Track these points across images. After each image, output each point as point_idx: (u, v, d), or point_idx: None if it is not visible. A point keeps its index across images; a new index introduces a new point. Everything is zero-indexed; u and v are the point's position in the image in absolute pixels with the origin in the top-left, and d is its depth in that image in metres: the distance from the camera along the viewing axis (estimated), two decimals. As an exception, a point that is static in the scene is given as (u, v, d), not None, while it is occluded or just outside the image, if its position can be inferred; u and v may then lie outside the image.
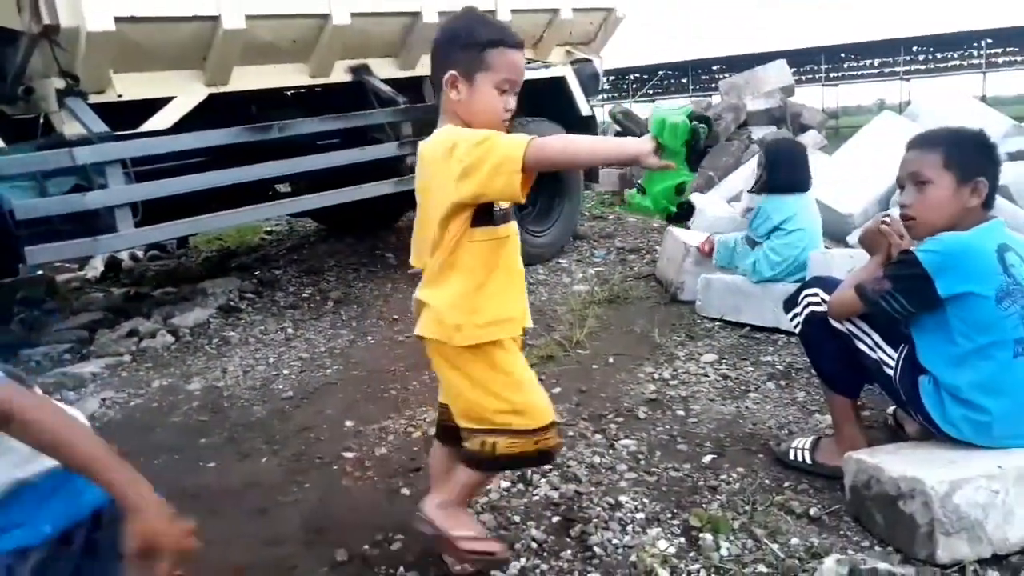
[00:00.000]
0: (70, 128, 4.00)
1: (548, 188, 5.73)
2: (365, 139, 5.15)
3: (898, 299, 2.16)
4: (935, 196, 2.14)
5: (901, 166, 2.26)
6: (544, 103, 5.69)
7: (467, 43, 1.83)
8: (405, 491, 2.65)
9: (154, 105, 4.30)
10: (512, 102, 1.86)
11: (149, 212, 4.19)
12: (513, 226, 1.94)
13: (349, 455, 2.96)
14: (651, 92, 34.69)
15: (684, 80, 34.62)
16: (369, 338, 4.40)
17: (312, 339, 4.42)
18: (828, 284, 2.52)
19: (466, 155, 1.69)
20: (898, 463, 2.12)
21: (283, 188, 5.82)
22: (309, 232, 7.21)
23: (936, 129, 2.32)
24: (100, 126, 3.98)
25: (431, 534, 2.07)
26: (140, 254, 6.80)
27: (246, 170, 4.51)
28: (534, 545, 2.27)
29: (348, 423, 3.24)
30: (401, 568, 2.21)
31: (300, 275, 5.74)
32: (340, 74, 5.03)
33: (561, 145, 1.78)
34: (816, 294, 2.51)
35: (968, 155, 2.16)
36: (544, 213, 5.81)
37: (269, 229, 7.52)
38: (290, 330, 4.59)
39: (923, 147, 2.22)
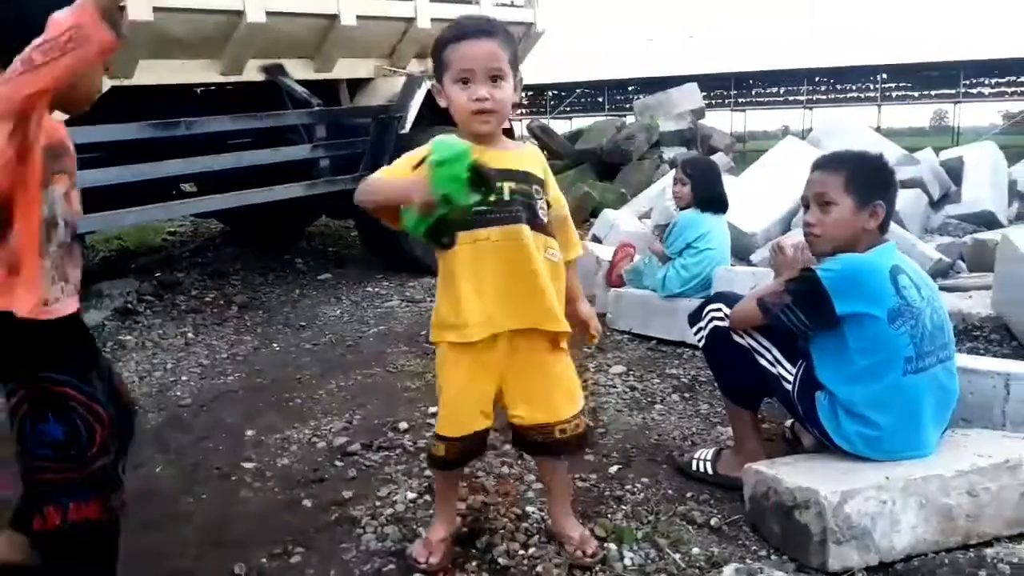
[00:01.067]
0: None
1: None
2: (277, 140, 5.02)
3: (796, 313, 2.24)
4: (836, 217, 2.24)
5: (807, 185, 2.35)
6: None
7: (434, 53, 1.96)
8: (307, 502, 2.57)
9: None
10: (481, 91, 1.87)
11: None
12: (508, 230, 1.92)
13: (249, 465, 2.85)
14: (568, 109, 35.25)
15: (600, 99, 35.33)
16: (275, 345, 4.28)
17: (214, 345, 4.26)
18: (730, 300, 2.59)
19: None
20: (794, 474, 2.19)
21: (188, 188, 5.60)
22: (215, 234, 6.97)
23: (841, 152, 2.41)
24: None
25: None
26: (30, 251, 6.41)
27: (150, 167, 4.33)
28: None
29: (249, 432, 3.13)
30: (300, 582, 2.14)
31: (203, 278, 5.53)
32: (253, 73, 4.89)
33: (363, 186, 1.96)
34: (719, 309, 2.57)
35: (868, 179, 2.27)
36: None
37: (172, 230, 7.22)
38: (190, 335, 4.41)
39: (828, 169, 2.31)
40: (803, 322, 2.24)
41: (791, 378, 2.38)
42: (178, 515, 2.53)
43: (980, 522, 2.11)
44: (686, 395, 3.43)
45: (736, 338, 2.50)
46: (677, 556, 2.20)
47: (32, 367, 1.67)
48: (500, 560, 2.19)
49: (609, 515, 2.40)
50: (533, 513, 2.43)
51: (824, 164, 2.35)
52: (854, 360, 2.21)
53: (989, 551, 2.00)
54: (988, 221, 5.38)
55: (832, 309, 2.17)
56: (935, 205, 5.91)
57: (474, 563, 2.19)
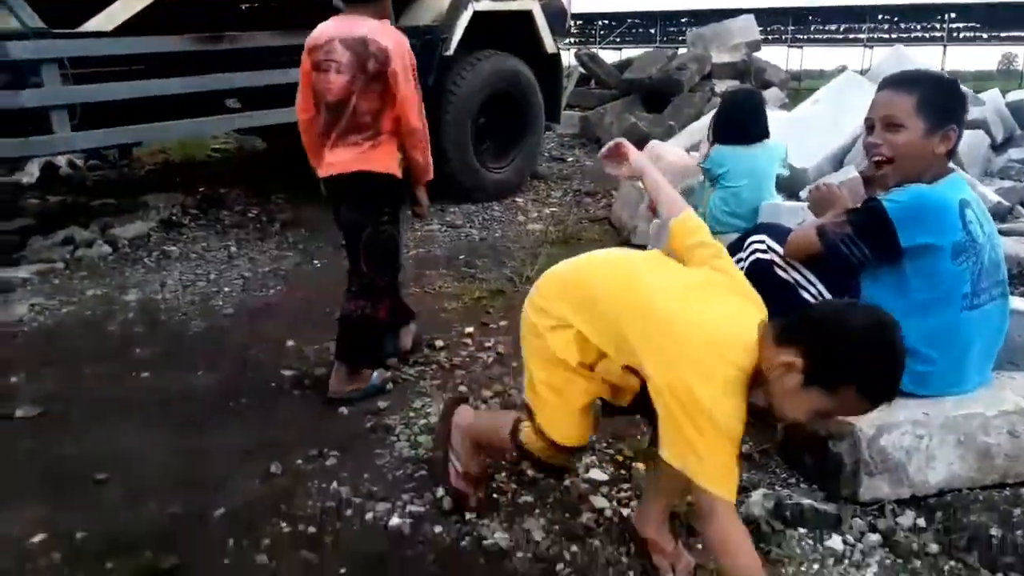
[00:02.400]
0: (3, 22, 3.76)
1: (507, 124, 5.64)
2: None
3: (858, 244, 2.14)
4: (905, 140, 2.10)
5: (872, 106, 2.20)
6: (509, 37, 5.56)
7: None
8: (343, 411, 2.63)
9: (97, 5, 4.06)
10: None
11: (88, 118, 3.99)
12: None
13: (288, 373, 2.91)
14: (618, 39, 34.30)
15: (652, 30, 34.27)
16: (316, 262, 4.32)
17: (256, 259, 4.31)
18: (774, 231, 2.52)
19: None
20: (830, 405, 2.17)
21: (232, 104, 5.60)
22: (259, 153, 6.99)
23: (911, 71, 2.24)
24: (36, 22, 3.75)
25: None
26: (79, 162, 6.51)
27: (193, 80, 4.32)
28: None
29: (289, 343, 3.19)
30: (335, 483, 2.20)
31: (247, 195, 5.58)
32: (299, -13, 4.81)
33: None
34: (762, 241, 2.50)
35: (942, 102, 2.12)
36: (502, 149, 5.73)
37: (217, 147, 7.27)
38: (233, 249, 4.47)
39: (898, 88, 2.15)
40: (864, 253, 2.14)
41: None
42: (218, 418, 2.60)
43: (1018, 463, 2.08)
44: (724, 328, 3.39)
45: (779, 272, 2.44)
46: (706, 480, 2.20)
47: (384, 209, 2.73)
48: (529, 472, 2.22)
49: (639, 436, 2.41)
50: (564, 432, 2.44)
51: (894, 83, 2.19)
52: (910, 294, 2.13)
53: (1025, 490, 1.97)
54: (1051, 165, 5.15)
55: (896, 241, 2.08)
56: (998, 148, 5.66)
57: (503, 473, 2.23)
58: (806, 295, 2.38)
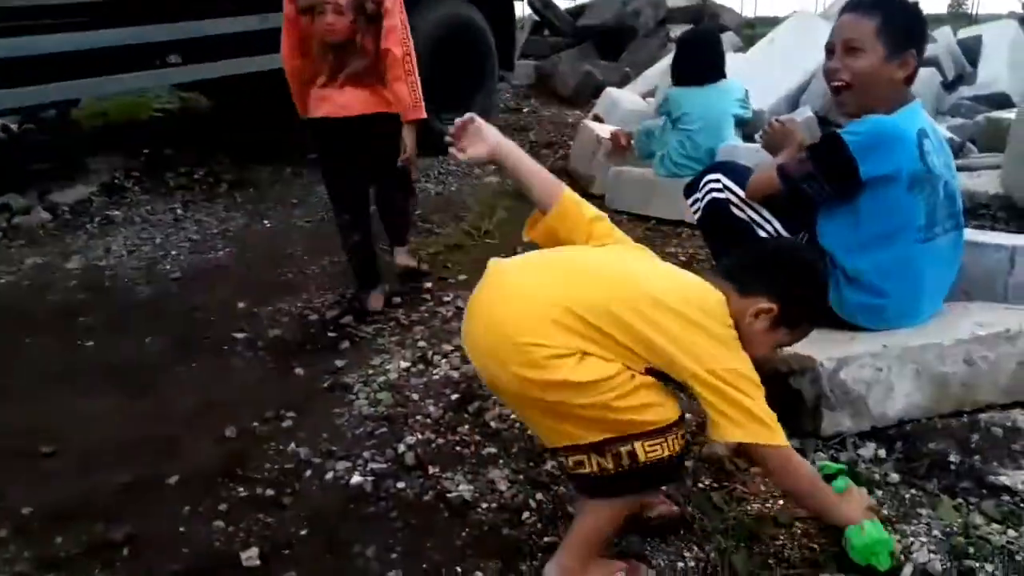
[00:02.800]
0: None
1: (460, 74, 5.50)
2: (266, 5, 4.74)
3: (819, 181, 2.12)
4: (865, 64, 2.07)
5: (833, 31, 2.16)
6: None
7: None
8: (299, 371, 2.57)
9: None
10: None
11: (15, 75, 3.78)
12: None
13: (240, 335, 2.83)
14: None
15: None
16: (265, 222, 4.19)
17: (203, 221, 4.18)
18: (730, 170, 2.48)
19: None
20: (791, 343, 2.16)
21: (174, 59, 5.35)
22: (203, 111, 6.75)
23: None
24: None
25: None
26: (13, 126, 6.21)
27: (126, 32, 4.11)
28: (430, 421, 2.23)
29: (240, 304, 3.10)
30: (292, 444, 2.15)
31: (192, 156, 5.38)
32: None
33: None
34: (718, 180, 2.46)
35: (902, 26, 2.09)
36: (456, 100, 5.58)
37: (159, 107, 6.99)
38: (179, 211, 4.32)
39: (859, 12, 2.10)
40: (825, 189, 2.13)
41: None
42: (169, 383, 2.52)
43: (974, 391, 2.10)
44: (683, 272, 3.37)
45: (735, 211, 2.41)
46: (669, 422, 2.19)
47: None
48: (492, 423, 2.19)
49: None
50: (526, 382, 2.41)
51: (856, 6, 2.13)
52: (864, 228, 2.12)
53: (983, 416, 2.00)
54: (1002, 103, 5.19)
55: (856, 174, 2.06)
56: (949, 87, 5.69)
57: (466, 427, 2.20)
58: (762, 233, 2.35)
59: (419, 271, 3.33)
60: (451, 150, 1.67)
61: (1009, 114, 4.05)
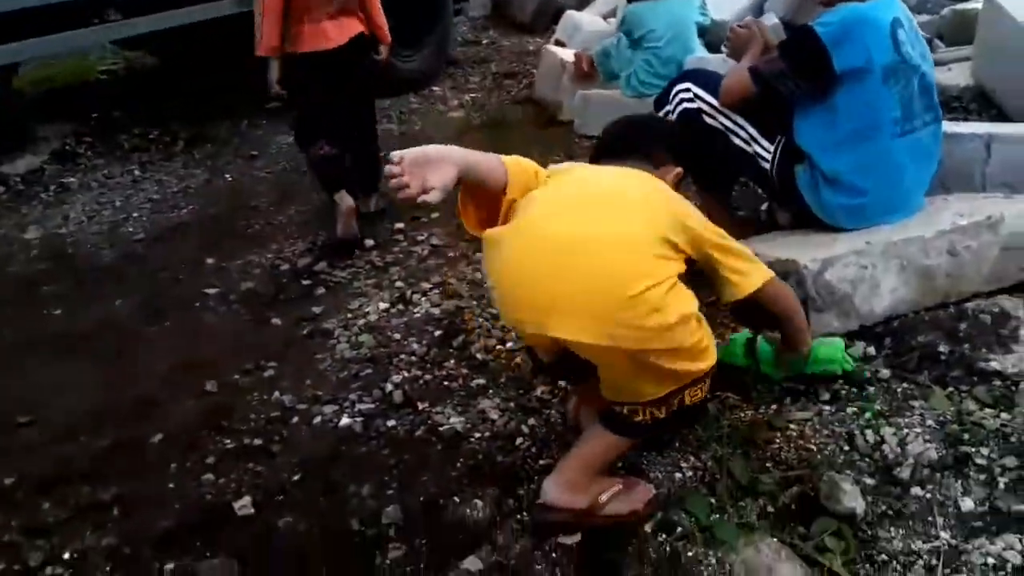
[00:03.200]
0: None
1: (414, 9, 5.31)
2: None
3: (793, 78, 2.06)
4: None
5: None
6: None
7: None
8: (276, 321, 2.51)
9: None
10: None
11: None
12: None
13: (211, 291, 2.76)
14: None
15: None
16: (227, 176, 4.06)
17: (163, 180, 4.04)
18: (699, 78, 2.42)
19: None
20: (773, 248, 2.13)
21: (113, 16, 5.11)
22: (149, 70, 6.48)
23: None
24: None
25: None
26: (-48, 101, 5.95)
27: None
28: (415, 359, 2.20)
29: (209, 260, 3.01)
30: (276, 393, 2.10)
31: (144, 116, 5.17)
32: None
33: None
34: (688, 89, 2.40)
35: None
36: (412, 36, 5.40)
37: (104, 68, 6.69)
38: (137, 172, 4.17)
39: None
40: (799, 86, 2.07)
41: (768, 155, 2.25)
42: (142, 344, 2.46)
43: (960, 281, 2.08)
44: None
45: (707, 119, 2.35)
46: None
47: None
48: (478, 356, 2.16)
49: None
50: (508, 312, 2.38)
51: None
52: (840, 125, 2.08)
53: (969, 304, 1.99)
54: (965, -2, 5.12)
55: (830, 66, 2.01)
56: (912, -17, 5.60)
57: (452, 361, 2.16)
58: (736, 140, 2.31)
59: (383, 211, 3.34)
60: (404, 194, 1.32)
61: (975, 4, 3.98)
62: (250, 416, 2.02)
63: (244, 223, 3.36)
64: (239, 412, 2.04)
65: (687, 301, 1.41)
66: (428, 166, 1.34)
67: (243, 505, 1.69)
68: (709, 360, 1.46)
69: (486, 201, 1.50)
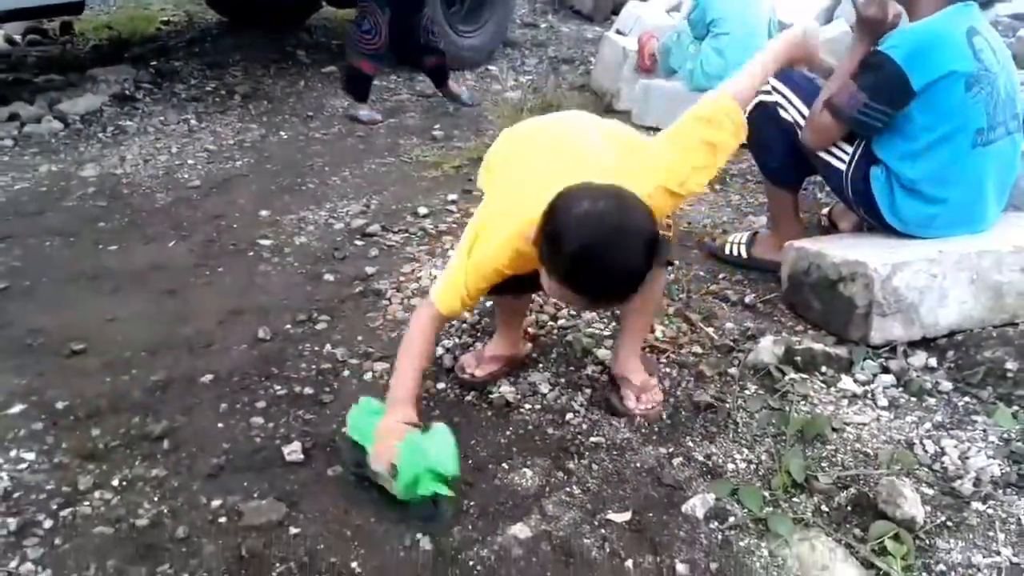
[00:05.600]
0: None
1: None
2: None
3: (876, 107, 2.02)
4: None
5: None
6: None
7: None
8: (328, 277, 2.50)
9: None
10: None
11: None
12: None
13: (265, 242, 2.76)
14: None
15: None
16: (282, 133, 4.07)
17: (218, 131, 4.05)
18: (780, 71, 2.38)
19: None
20: (840, 249, 2.10)
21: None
22: (211, 25, 6.51)
23: None
24: None
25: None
26: (18, 38, 6.02)
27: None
28: (466, 326, 2.19)
29: (263, 212, 3.01)
30: (328, 346, 2.10)
31: (202, 68, 5.20)
32: None
33: None
34: (765, 81, 2.36)
35: None
36: (473, 12, 5.39)
37: (165, 19, 6.74)
38: (193, 122, 4.19)
39: None
40: (886, 113, 2.03)
41: (846, 158, 2.20)
42: (196, 285, 2.47)
43: (1030, 301, 2.04)
44: (716, 187, 3.28)
45: (783, 114, 2.32)
46: (710, 330, 2.15)
47: None
48: (529, 329, 2.14)
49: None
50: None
51: None
52: (921, 135, 2.04)
53: (1039, 324, 1.94)
54: (1040, 22, 5.00)
55: (910, 87, 1.97)
56: (985, 5, 5.48)
57: (503, 331, 2.15)
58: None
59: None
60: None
61: (1055, 28, 3.89)
62: (301, 365, 2.02)
63: (299, 180, 3.36)
64: (291, 360, 2.04)
65: None
66: None
67: (292, 450, 1.69)
68: None
69: None
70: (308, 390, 1.91)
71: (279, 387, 1.93)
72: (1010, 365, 1.85)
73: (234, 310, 2.29)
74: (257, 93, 4.76)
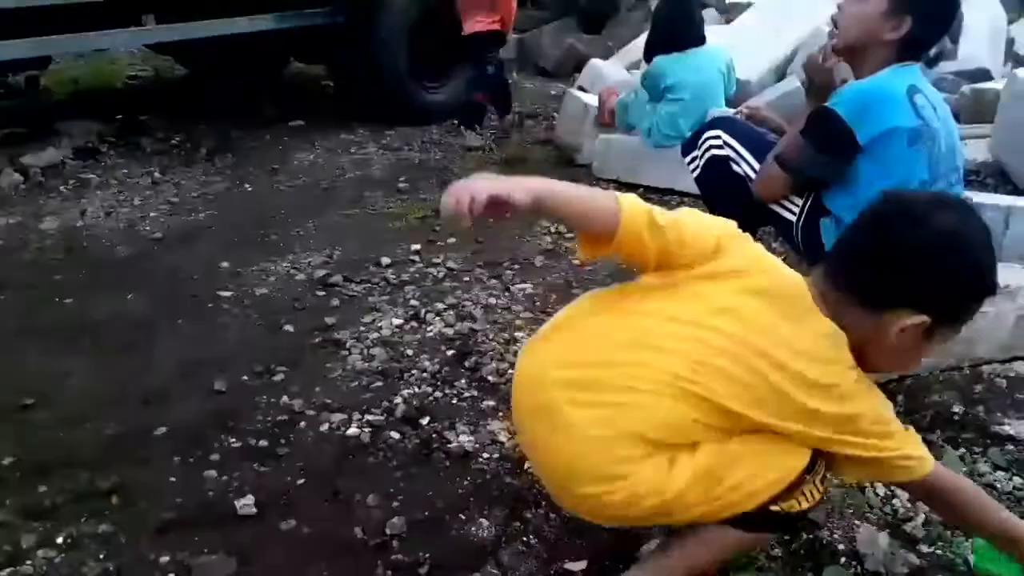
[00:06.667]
0: None
1: (444, 43, 5.41)
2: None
3: (823, 160, 2.10)
4: (858, 11, 2.05)
5: None
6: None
7: None
8: (288, 328, 2.50)
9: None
10: None
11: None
12: None
13: (226, 294, 2.75)
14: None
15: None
16: (247, 186, 4.08)
17: (182, 184, 4.06)
18: (728, 125, 2.45)
19: None
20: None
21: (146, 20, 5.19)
22: (177, 80, 6.57)
23: None
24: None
25: None
26: (-20, 92, 6.01)
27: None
28: (426, 375, 2.19)
29: (224, 264, 3.01)
30: (285, 397, 2.09)
31: (168, 122, 5.22)
32: None
33: None
34: (718, 136, 2.43)
35: None
36: (440, 69, 5.50)
37: (133, 74, 6.78)
38: (157, 175, 4.19)
39: None
40: (832, 166, 2.10)
41: (796, 210, 2.27)
42: (154, 339, 2.44)
43: (975, 346, 2.10)
44: (675, 237, 3.34)
45: (735, 167, 2.39)
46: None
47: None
48: (490, 378, 2.15)
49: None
50: (522, 338, 2.38)
51: None
52: (867, 187, 2.10)
53: (985, 368, 2.00)
54: (982, 78, 5.22)
55: (856, 142, 2.04)
56: (931, 62, 5.72)
57: (463, 381, 2.16)
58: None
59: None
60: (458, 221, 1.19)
61: (995, 85, 4.07)
62: (257, 417, 2.00)
63: (261, 232, 3.37)
64: (247, 413, 2.02)
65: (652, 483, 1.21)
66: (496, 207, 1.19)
67: (245, 504, 1.67)
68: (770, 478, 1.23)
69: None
70: (263, 442, 1.89)
71: (234, 440, 1.91)
72: (956, 408, 1.89)
73: (191, 362, 2.27)
74: (223, 147, 4.78)
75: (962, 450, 1.81)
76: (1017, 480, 1.68)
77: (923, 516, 1.60)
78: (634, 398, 1.21)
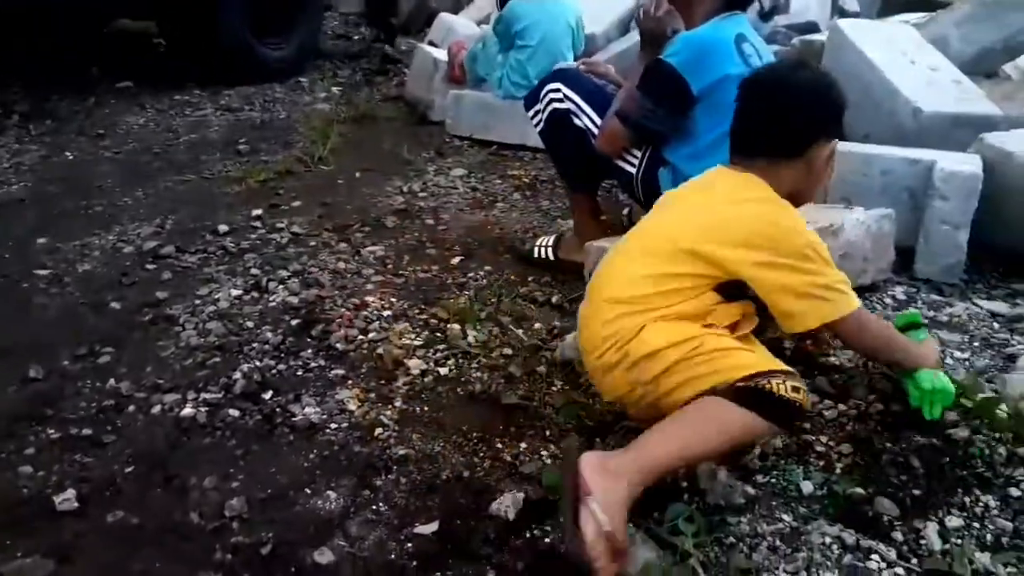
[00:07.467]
0: None
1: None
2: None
3: (661, 112, 2.12)
4: None
5: None
6: None
7: None
8: (114, 305, 2.31)
9: None
10: None
11: None
12: None
13: (43, 272, 2.51)
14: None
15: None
16: (67, 154, 3.74)
17: (-9, 154, 3.66)
18: (569, 78, 2.46)
19: None
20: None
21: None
22: (-15, 38, 5.90)
23: None
24: None
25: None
26: None
27: None
28: (268, 348, 2.08)
29: (40, 240, 2.74)
30: (111, 380, 1.93)
31: (-27, 86, 4.70)
32: None
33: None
34: (558, 90, 2.43)
35: None
36: (281, 24, 5.21)
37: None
38: (-40, 144, 3.76)
39: None
40: (670, 118, 2.13)
41: (636, 162, 2.31)
42: (-44, 326, 2.19)
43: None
44: (527, 193, 3.35)
45: (576, 121, 2.39)
46: (520, 331, 2.17)
47: None
48: (338, 346, 2.08)
49: (451, 299, 2.32)
50: (372, 303, 2.30)
51: None
52: (701, 135, 2.16)
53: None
54: (811, 30, 5.52)
55: (691, 92, 2.08)
56: (766, 16, 5.98)
57: (310, 351, 2.07)
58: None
59: None
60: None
61: (821, 37, 4.29)
62: (80, 404, 1.84)
63: (84, 203, 3.09)
64: (67, 400, 1.85)
65: (659, 335, 1.50)
66: None
67: (65, 499, 1.53)
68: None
69: None
70: (86, 431, 1.74)
71: (52, 430, 1.75)
72: (787, 344, 1.99)
73: (3, 349, 2.06)
74: (39, 111, 4.37)
75: (794, 383, 1.90)
76: (841, 407, 1.79)
77: (759, 449, 1.68)
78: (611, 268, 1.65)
